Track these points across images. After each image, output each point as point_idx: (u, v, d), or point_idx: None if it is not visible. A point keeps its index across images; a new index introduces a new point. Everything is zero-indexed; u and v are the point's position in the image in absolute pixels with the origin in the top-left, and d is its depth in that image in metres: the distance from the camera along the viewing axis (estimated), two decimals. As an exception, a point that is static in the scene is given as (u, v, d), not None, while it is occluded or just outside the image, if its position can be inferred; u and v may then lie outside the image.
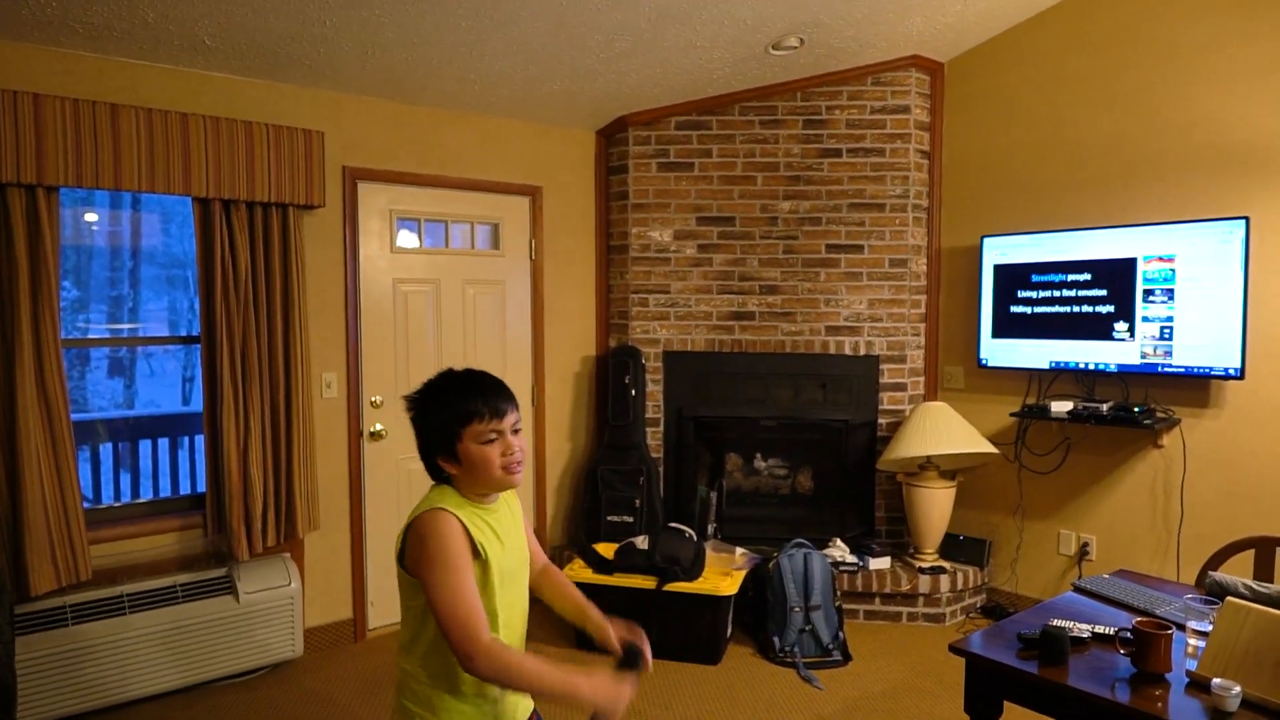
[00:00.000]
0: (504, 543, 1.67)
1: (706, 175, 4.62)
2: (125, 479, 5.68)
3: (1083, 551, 4.10)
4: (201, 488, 3.60)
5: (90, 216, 7.85)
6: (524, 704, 1.74)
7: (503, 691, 1.65)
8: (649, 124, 4.64)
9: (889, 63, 4.41)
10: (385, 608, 4.16)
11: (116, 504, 3.59)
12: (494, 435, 1.59)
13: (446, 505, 1.58)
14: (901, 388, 4.56)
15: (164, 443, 5.68)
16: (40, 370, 3.10)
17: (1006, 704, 2.17)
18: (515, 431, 1.63)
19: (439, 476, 1.66)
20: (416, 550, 1.54)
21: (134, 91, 3.37)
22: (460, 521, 1.56)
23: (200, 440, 5.56)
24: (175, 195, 3.31)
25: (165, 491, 5.56)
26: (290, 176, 3.59)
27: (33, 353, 3.07)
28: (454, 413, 1.58)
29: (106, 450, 5.74)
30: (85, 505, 3.55)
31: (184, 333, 5.32)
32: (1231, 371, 3.48)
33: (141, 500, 3.68)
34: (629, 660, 1.67)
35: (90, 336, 9.53)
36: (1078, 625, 2.21)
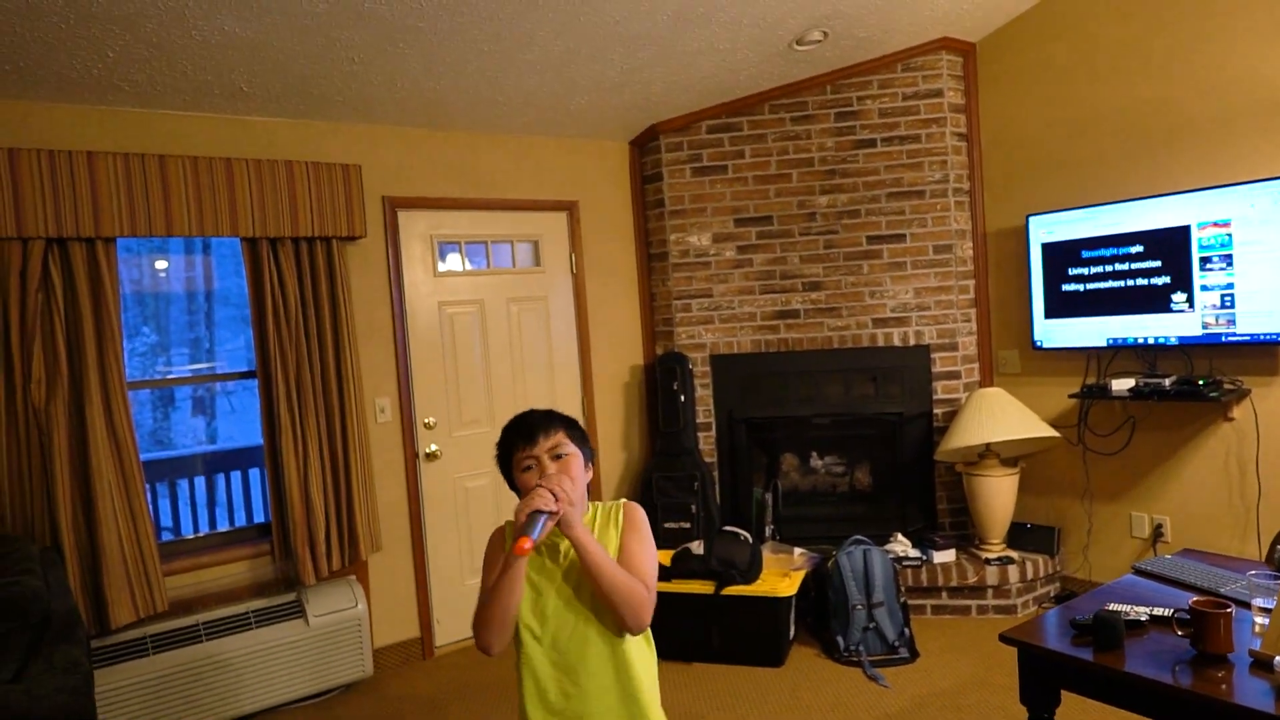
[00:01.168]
0: (561, 565, 1.68)
1: (741, 176, 4.61)
2: (205, 512, 5.92)
3: (1157, 533, 3.95)
4: (269, 516, 3.73)
5: (162, 264, 8.22)
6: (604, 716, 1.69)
7: (566, 702, 1.66)
8: (680, 130, 4.66)
9: (918, 47, 4.35)
10: (451, 625, 4.24)
11: (192, 536, 3.75)
12: (530, 463, 1.69)
13: (507, 521, 1.72)
14: (955, 376, 4.47)
15: (237, 475, 5.90)
16: (109, 412, 3.25)
17: (1065, 694, 2.10)
18: (557, 457, 1.68)
19: None
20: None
21: (180, 141, 3.53)
22: (502, 528, 1.76)
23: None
24: (224, 237, 3.45)
25: (242, 521, 5.77)
26: (331, 210, 3.71)
27: (100, 396, 3.23)
28: (503, 452, 1.76)
29: (186, 485, 5.98)
30: (168, 538, 3.72)
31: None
32: (1300, 336, 3.32)
33: (216, 531, 3.83)
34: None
35: (165, 377, 9.97)
36: (1135, 609, 2.13)
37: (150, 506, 3.37)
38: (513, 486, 1.74)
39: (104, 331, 3.24)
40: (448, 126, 4.19)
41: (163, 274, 8.65)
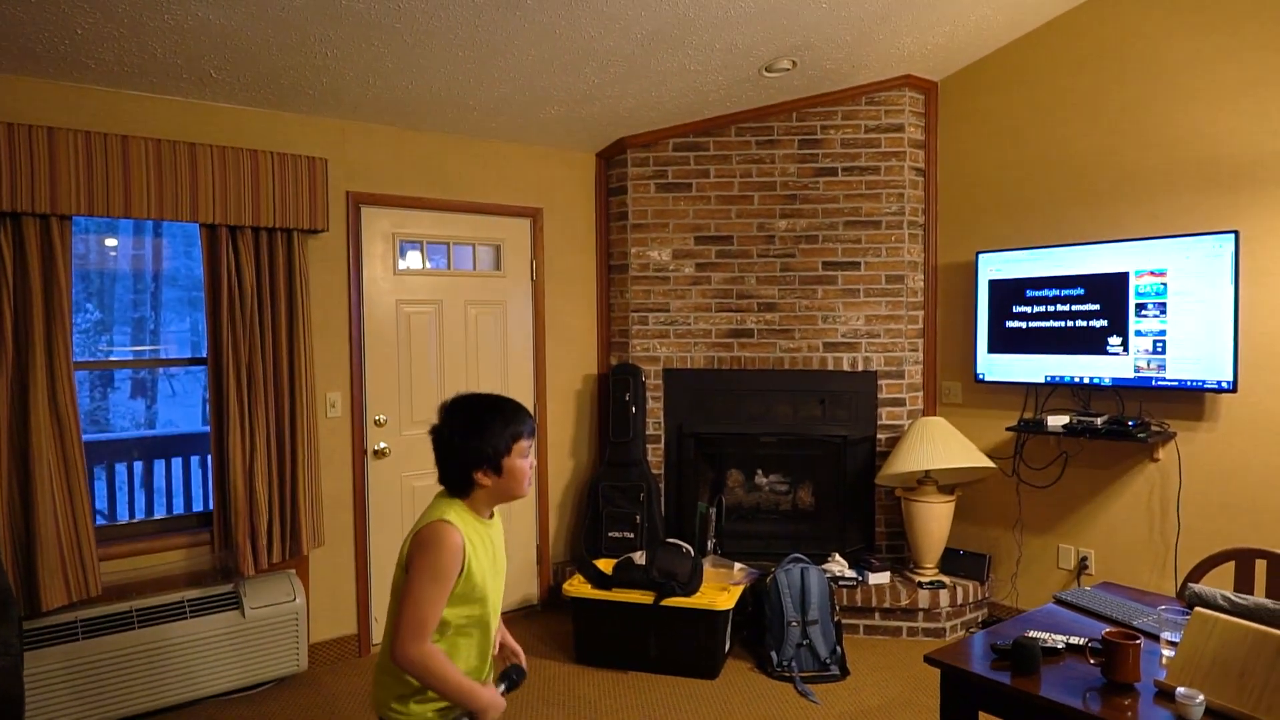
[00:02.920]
0: (495, 557, 1.92)
1: (704, 195, 4.70)
2: (142, 497, 5.81)
3: (1082, 565, 4.10)
4: (211, 505, 3.69)
5: (111, 241, 8.05)
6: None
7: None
8: (647, 146, 4.73)
9: (882, 83, 4.48)
10: (390, 623, 4.23)
11: (128, 521, 3.69)
12: (530, 450, 1.89)
13: (451, 518, 1.79)
14: (900, 403, 4.59)
15: (178, 462, 5.80)
16: (53, 391, 3.21)
17: (983, 715, 2.19)
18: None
19: (462, 489, 1.85)
20: (416, 552, 1.75)
21: (143, 123, 3.49)
22: (461, 540, 1.78)
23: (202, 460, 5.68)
24: (183, 222, 3.42)
25: (180, 509, 5.67)
26: (295, 202, 3.70)
27: (45, 375, 3.18)
28: (513, 430, 1.83)
29: (124, 469, 5.86)
30: (101, 522, 3.66)
31: (204, 354, 5.43)
32: (1224, 384, 3.50)
33: (153, 518, 3.78)
34: (510, 680, 1.96)
35: (110, 359, 9.73)
36: (1053, 636, 2.24)
37: (90, 490, 3.32)
38: (483, 462, 1.81)
39: (53, 311, 3.20)
40: (417, 126, 4.21)
41: (111, 251, 8.46)
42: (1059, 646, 2.18)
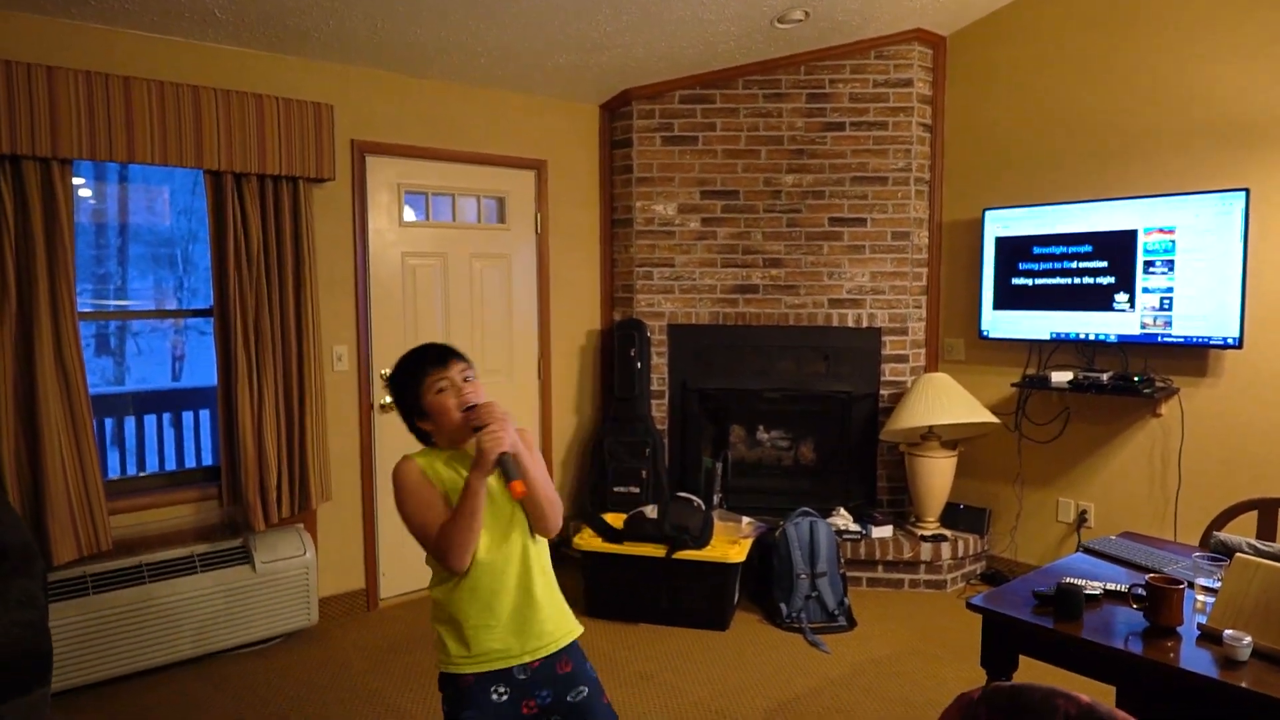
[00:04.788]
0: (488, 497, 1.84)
1: (710, 149, 4.64)
2: (124, 455, 5.69)
3: (1081, 519, 4.19)
4: (208, 460, 3.63)
5: (83, 192, 7.79)
6: (557, 629, 1.88)
7: (505, 613, 1.82)
8: (652, 98, 4.65)
9: (892, 36, 4.44)
10: (396, 578, 4.22)
11: (133, 476, 3.62)
12: (444, 384, 1.82)
13: (412, 455, 1.85)
14: (903, 359, 4.62)
15: (152, 419, 5.68)
16: (59, 344, 3.11)
17: (1023, 660, 2.24)
18: (465, 379, 1.84)
19: (423, 439, 1.91)
20: (395, 500, 1.83)
21: (144, 64, 3.36)
22: (417, 464, 1.82)
23: (203, 415, 5.59)
24: (188, 168, 3.31)
25: (170, 465, 5.58)
26: (301, 149, 3.59)
27: (50, 326, 3.08)
28: (411, 376, 1.84)
29: (105, 426, 5.74)
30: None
31: (190, 306, 5.31)
32: (1230, 341, 3.56)
33: (157, 472, 3.71)
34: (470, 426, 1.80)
35: (118, 310, 9.46)
36: (1090, 583, 2.28)
37: (97, 443, 3.24)
38: (414, 412, 1.85)
39: (56, 259, 3.09)
40: (423, 74, 4.09)
41: (84, 202, 8.19)
42: (1097, 593, 2.23)
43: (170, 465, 5.52)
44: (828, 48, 4.46)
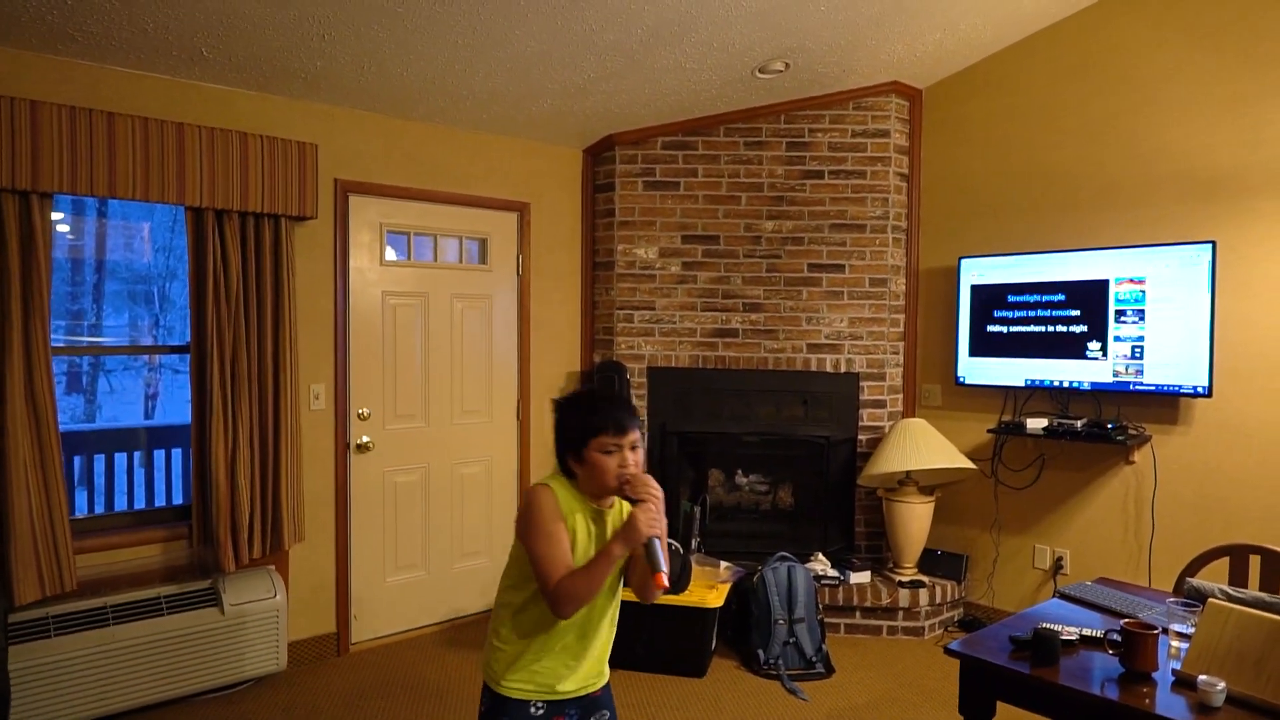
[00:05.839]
0: (595, 543, 1.88)
1: (692, 194, 4.71)
2: (92, 495, 5.59)
3: (1058, 565, 4.20)
4: (178, 499, 3.57)
5: (62, 227, 7.74)
6: (604, 670, 1.98)
7: (565, 654, 1.89)
8: (636, 143, 4.72)
9: (870, 88, 4.55)
10: (368, 621, 4.14)
11: (101, 514, 3.55)
12: (614, 448, 1.82)
13: (548, 482, 1.86)
14: (881, 405, 4.65)
15: (122, 457, 5.59)
16: (30, 379, 3.07)
17: (1000, 706, 2.22)
18: (634, 448, 1.85)
19: (565, 471, 1.90)
20: (520, 518, 1.84)
21: (130, 100, 3.37)
22: (555, 497, 1.83)
23: (175, 454, 5.51)
24: (170, 204, 3.31)
25: (139, 504, 5.48)
26: (284, 187, 3.60)
27: (22, 361, 3.04)
28: (590, 423, 1.84)
29: (80, 462, 5.64)
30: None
31: (171, 343, 5.27)
32: (1200, 390, 3.61)
33: (125, 510, 3.64)
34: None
35: (96, 345, 9.35)
36: (1066, 628, 2.28)
37: (65, 480, 3.18)
38: (570, 451, 1.86)
39: (31, 292, 3.06)
40: (408, 115, 4.14)
41: (61, 237, 8.13)
42: (1074, 638, 2.23)
43: (140, 504, 5.42)
44: (807, 98, 4.56)
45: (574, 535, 1.84)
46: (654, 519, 1.74)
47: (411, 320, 4.25)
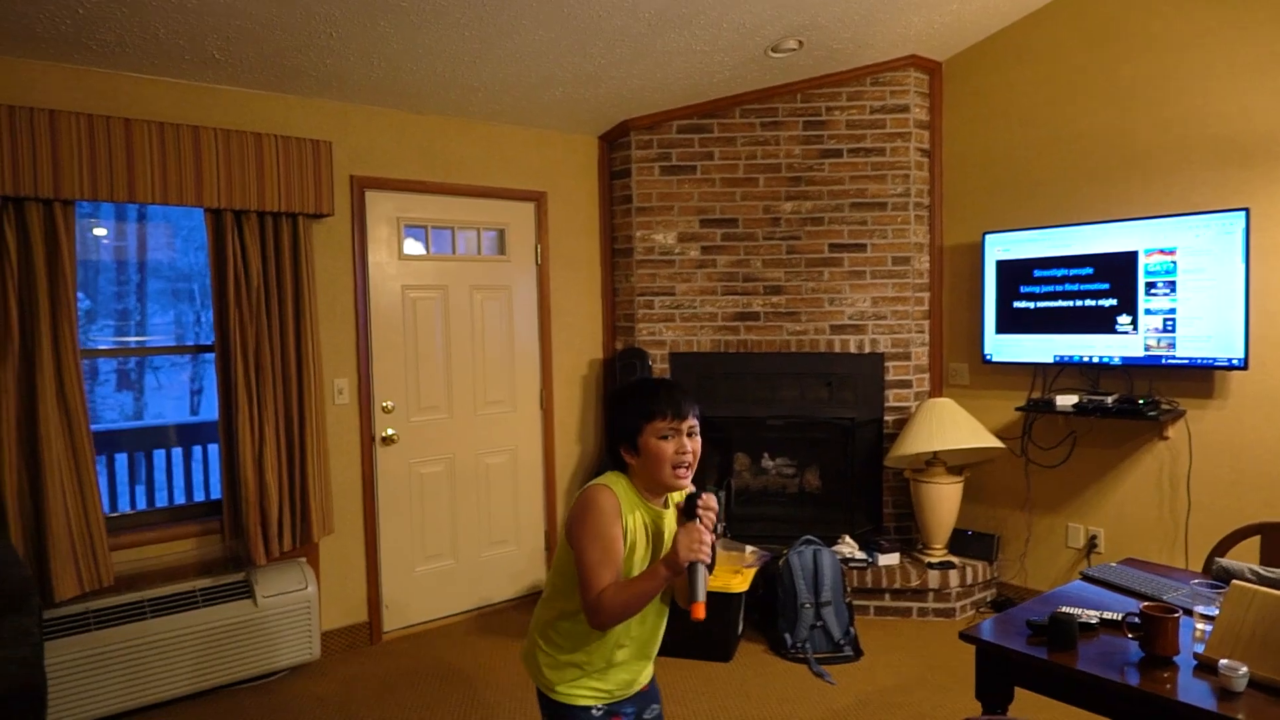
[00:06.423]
0: (651, 544, 1.83)
1: (709, 178, 4.67)
2: (137, 490, 5.74)
3: (1091, 544, 4.13)
4: (217, 494, 3.64)
5: (100, 230, 7.93)
6: (643, 674, 1.95)
7: (622, 663, 1.87)
8: (650, 128, 4.69)
9: (887, 63, 4.46)
10: (399, 611, 4.21)
11: (135, 511, 3.64)
12: (670, 432, 1.76)
13: (607, 483, 1.79)
14: (907, 385, 4.59)
15: (166, 453, 5.73)
16: (60, 381, 3.15)
17: (1018, 691, 2.19)
18: (690, 434, 1.79)
19: (619, 465, 1.84)
20: (573, 517, 1.76)
21: (146, 106, 3.42)
22: (616, 500, 1.75)
23: (212, 449, 5.63)
24: (188, 206, 3.37)
25: (180, 499, 5.61)
26: (300, 186, 3.64)
27: (53, 364, 3.12)
28: (646, 409, 1.77)
29: (119, 460, 5.80)
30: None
31: (202, 342, 5.38)
32: (1235, 362, 3.51)
33: (160, 507, 3.74)
34: (688, 508, 1.73)
35: (116, 348, 9.62)
36: (1086, 612, 2.24)
37: (97, 479, 3.27)
38: (625, 441, 1.79)
39: (58, 298, 3.14)
40: (421, 109, 4.15)
41: (100, 240, 8.34)
42: (1093, 622, 2.19)
43: (180, 499, 5.55)
44: (823, 75, 4.49)
45: (633, 536, 1.77)
46: (703, 547, 1.64)
47: (432, 313, 4.28)
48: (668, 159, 4.69)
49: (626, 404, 1.80)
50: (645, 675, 1.96)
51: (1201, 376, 3.73)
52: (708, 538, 1.66)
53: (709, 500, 1.72)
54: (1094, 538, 4.11)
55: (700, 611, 1.64)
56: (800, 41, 4.01)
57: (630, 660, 1.88)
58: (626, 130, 4.70)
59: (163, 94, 3.47)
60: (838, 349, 4.60)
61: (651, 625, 1.89)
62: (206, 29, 3.13)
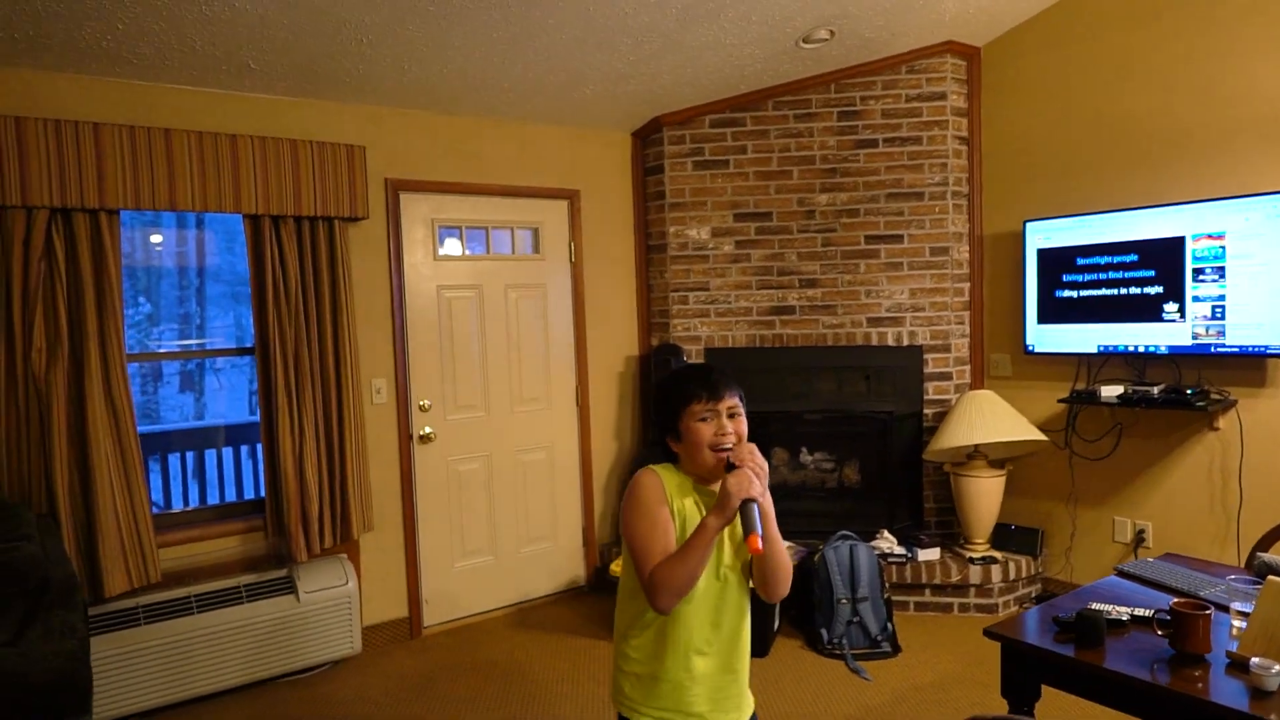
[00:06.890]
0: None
1: (742, 172, 4.64)
2: (195, 487, 5.93)
3: (1139, 538, 4.01)
4: (264, 492, 3.75)
5: (156, 238, 8.20)
6: (747, 703, 1.82)
7: (703, 675, 1.73)
8: (683, 123, 4.68)
9: (923, 50, 4.38)
10: (439, 606, 4.28)
11: (186, 509, 3.76)
12: (709, 414, 1.71)
13: (653, 468, 1.75)
14: (947, 377, 4.51)
15: (228, 452, 5.91)
16: (108, 383, 3.27)
17: (1045, 689, 2.15)
18: (731, 416, 1.73)
19: (669, 456, 1.80)
20: (622, 506, 1.73)
21: (185, 116, 3.53)
22: (660, 481, 1.72)
23: (260, 449, 5.79)
24: (227, 213, 3.46)
25: (233, 497, 5.78)
26: (335, 190, 3.72)
27: (100, 367, 3.24)
28: (678, 395, 1.74)
29: (177, 459, 5.99)
30: (156, 511, 3.73)
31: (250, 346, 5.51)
32: (1287, 349, 3.38)
33: (207, 506, 3.85)
34: (730, 467, 1.67)
35: (160, 351, 9.95)
36: (1116, 608, 2.18)
37: (145, 478, 3.38)
38: (668, 429, 1.76)
39: (105, 303, 3.25)
40: (453, 111, 4.20)
41: (156, 247, 8.62)
42: (1124, 619, 2.13)
43: (231, 497, 5.72)
44: (857, 65, 4.43)
45: (684, 521, 1.70)
46: (748, 481, 1.58)
47: (467, 312, 4.34)
48: (700, 154, 4.68)
49: (666, 392, 1.79)
50: (742, 703, 1.80)
51: (1253, 365, 3.59)
52: (756, 480, 1.61)
53: (752, 450, 1.66)
54: (1141, 531, 4.00)
55: (757, 543, 1.55)
56: (831, 31, 3.96)
57: (714, 673, 1.74)
58: (659, 126, 4.70)
59: (202, 103, 3.57)
60: (875, 342, 4.54)
61: (731, 627, 1.76)
62: (240, 40, 3.22)
